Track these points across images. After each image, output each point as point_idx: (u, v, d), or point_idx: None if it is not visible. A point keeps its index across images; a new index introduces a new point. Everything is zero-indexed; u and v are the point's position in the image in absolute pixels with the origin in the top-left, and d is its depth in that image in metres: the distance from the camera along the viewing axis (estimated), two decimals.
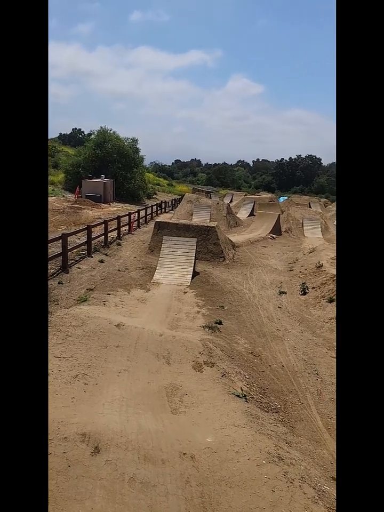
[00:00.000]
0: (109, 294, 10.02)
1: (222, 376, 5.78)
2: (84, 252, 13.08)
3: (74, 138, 77.45)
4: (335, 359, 7.79)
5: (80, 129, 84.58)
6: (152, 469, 3.52)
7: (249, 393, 5.80)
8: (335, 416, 5.84)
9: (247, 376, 6.50)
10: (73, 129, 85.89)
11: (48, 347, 5.45)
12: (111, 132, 37.17)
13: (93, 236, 13.55)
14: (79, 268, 11.75)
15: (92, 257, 12.95)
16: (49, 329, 6.12)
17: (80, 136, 78.58)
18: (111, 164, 34.71)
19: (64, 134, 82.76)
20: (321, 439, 5.25)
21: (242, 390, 5.66)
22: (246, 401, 5.32)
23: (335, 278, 11.86)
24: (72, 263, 11.98)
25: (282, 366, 7.36)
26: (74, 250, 12.53)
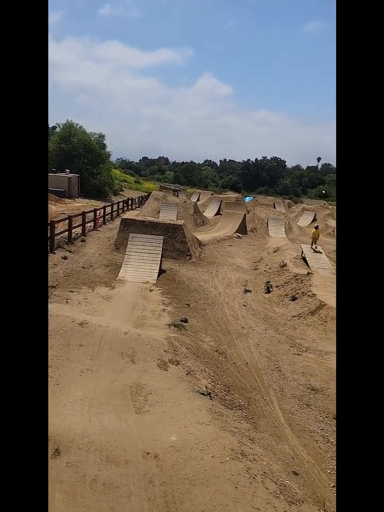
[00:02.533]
0: (72, 292, 9.75)
1: (187, 374, 5.77)
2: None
3: None
4: (297, 356, 8.01)
5: None
6: (115, 470, 3.44)
7: (213, 391, 5.84)
8: (296, 412, 6.00)
9: (212, 374, 6.53)
10: None
11: None
12: (77, 126, 36.21)
13: (56, 232, 13.13)
14: None
15: (54, 253, 12.55)
16: None
17: None
18: (77, 158, 33.78)
19: None
20: (283, 434, 5.38)
21: (207, 388, 5.68)
22: (211, 398, 5.35)
23: (297, 277, 12.21)
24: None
25: (246, 363, 7.47)
26: None
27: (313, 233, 16.46)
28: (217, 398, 5.70)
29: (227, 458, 3.78)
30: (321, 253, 15.37)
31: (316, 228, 17.50)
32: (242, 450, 3.98)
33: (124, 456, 3.62)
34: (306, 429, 5.62)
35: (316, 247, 15.76)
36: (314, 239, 16.06)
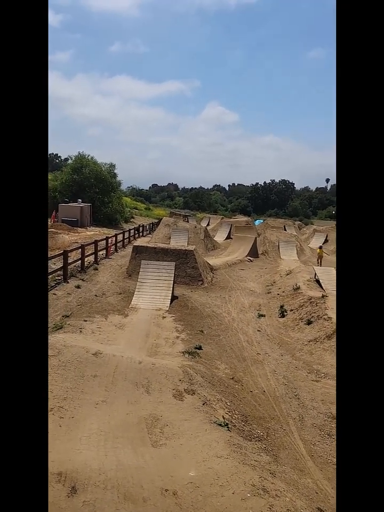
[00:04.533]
0: (86, 321, 9.77)
1: (203, 404, 5.65)
2: (59, 278, 12.79)
3: (51, 163, 77.26)
4: (315, 383, 7.78)
5: (57, 154, 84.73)
6: (133, 508, 3.34)
7: (231, 421, 5.68)
8: (318, 443, 5.78)
9: (228, 403, 6.38)
10: (50, 154, 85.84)
11: None
12: (89, 157, 37.32)
13: (69, 261, 13.30)
14: (55, 294, 11.45)
15: (68, 282, 12.67)
16: None
17: (57, 161, 78.59)
18: (89, 188, 34.64)
19: None
20: (305, 467, 5.16)
21: (224, 418, 5.54)
22: (228, 430, 5.20)
23: (312, 300, 12.04)
24: (48, 289, 11.67)
25: (264, 391, 7.28)
26: (50, 276, 12.24)
27: (318, 252, 18.00)
28: (235, 429, 5.53)
29: (248, 495, 3.64)
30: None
31: (320, 247, 19.23)
32: (263, 486, 3.83)
33: (141, 493, 3.52)
34: (329, 461, 5.39)
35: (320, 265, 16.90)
36: (320, 258, 17.42)
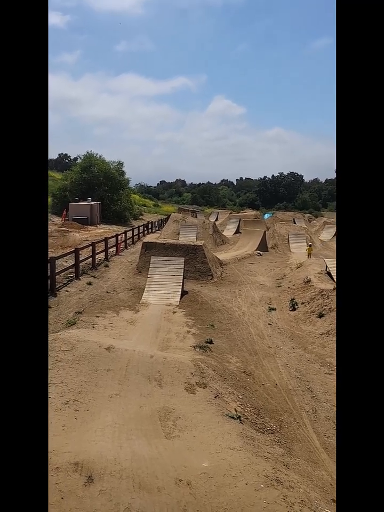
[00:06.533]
0: (98, 317, 9.87)
1: (215, 397, 5.69)
2: (71, 275, 12.93)
3: (61, 163, 77.75)
4: (328, 376, 7.76)
5: (66, 154, 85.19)
6: (148, 497, 3.39)
7: (243, 414, 5.71)
8: (332, 435, 5.78)
9: (240, 396, 6.41)
10: (59, 154, 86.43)
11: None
12: (97, 156, 37.52)
13: (80, 258, 13.43)
14: (67, 291, 11.59)
15: (80, 279, 12.80)
16: None
17: (67, 160, 79.03)
18: (98, 186, 34.87)
19: (51, 160, 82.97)
20: (319, 459, 5.17)
21: (236, 411, 5.57)
22: (241, 422, 5.23)
23: (323, 293, 11.95)
24: (60, 286, 11.81)
25: (276, 384, 7.29)
26: (62, 273, 12.38)
27: (308, 249, 21.59)
28: (248, 422, 5.56)
29: (262, 486, 3.67)
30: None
31: (310, 246, 22.78)
32: (277, 477, 3.85)
33: (156, 483, 3.57)
34: None
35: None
36: (309, 254, 20.73)
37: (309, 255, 20.88)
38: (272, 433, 5.58)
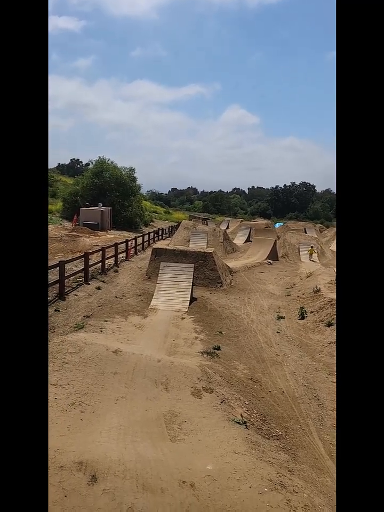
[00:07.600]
0: (106, 321, 9.95)
1: (221, 402, 5.69)
2: (81, 279, 13.07)
3: (73, 168, 78.96)
4: (335, 385, 7.68)
5: (78, 159, 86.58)
6: (151, 498, 3.41)
7: (249, 420, 5.69)
8: None
9: (246, 403, 6.39)
10: (71, 159, 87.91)
11: None
12: (109, 161, 37.98)
13: (90, 263, 13.58)
14: (76, 295, 11.72)
15: (89, 284, 12.93)
16: None
17: (79, 166, 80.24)
18: (109, 192, 35.26)
19: (62, 164, 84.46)
20: (324, 466, 5.12)
21: (242, 417, 5.56)
22: (246, 428, 5.22)
23: (333, 302, 11.86)
24: (69, 290, 11.95)
25: (283, 391, 7.24)
26: (71, 277, 12.53)
27: (309, 250, 23.92)
28: (253, 428, 5.54)
29: (265, 489, 3.66)
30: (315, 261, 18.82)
31: (311, 247, 24.82)
32: (281, 481, 3.83)
33: (159, 484, 3.59)
34: None
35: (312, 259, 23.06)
36: (311, 254, 23.05)
37: (311, 255, 23.09)
38: (277, 439, 5.55)
